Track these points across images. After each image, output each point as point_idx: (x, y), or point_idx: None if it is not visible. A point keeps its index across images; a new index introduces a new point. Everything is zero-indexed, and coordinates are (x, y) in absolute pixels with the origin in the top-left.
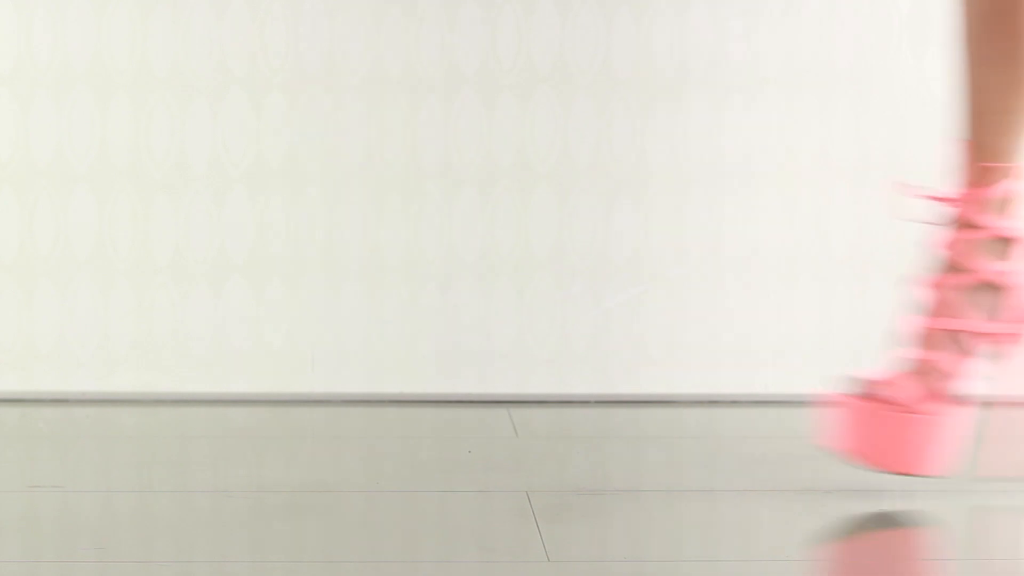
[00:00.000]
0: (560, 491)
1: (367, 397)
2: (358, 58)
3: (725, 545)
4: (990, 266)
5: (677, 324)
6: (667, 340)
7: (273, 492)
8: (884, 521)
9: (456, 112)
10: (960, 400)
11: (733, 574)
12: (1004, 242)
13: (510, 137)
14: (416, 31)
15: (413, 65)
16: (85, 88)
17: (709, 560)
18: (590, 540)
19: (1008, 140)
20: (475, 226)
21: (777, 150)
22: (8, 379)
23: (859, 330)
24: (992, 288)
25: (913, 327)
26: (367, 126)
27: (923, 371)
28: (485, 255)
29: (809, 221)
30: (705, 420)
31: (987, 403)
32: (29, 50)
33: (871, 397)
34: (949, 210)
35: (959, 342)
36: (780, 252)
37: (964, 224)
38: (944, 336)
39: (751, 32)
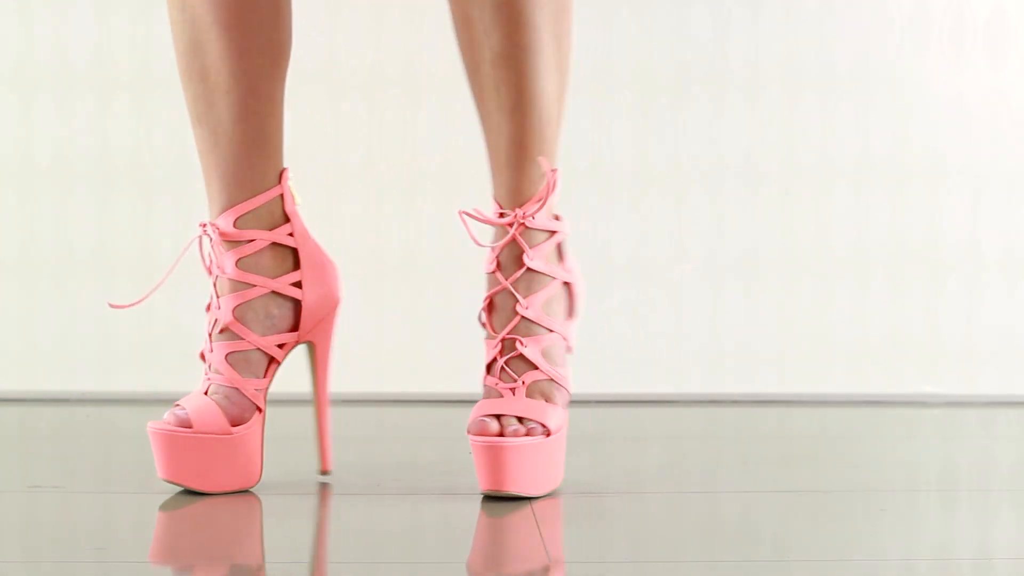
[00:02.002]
0: (561, 492)
1: (366, 397)
2: (358, 58)
3: (726, 546)
4: None
5: (677, 324)
6: (667, 340)
7: (273, 493)
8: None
9: (457, 112)
10: None
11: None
12: None
13: None
14: (416, 31)
15: (413, 65)
16: (85, 88)
17: (709, 561)
18: (590, 541)
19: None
20: (474, 225)
21: (777, 150)
22: (8, 379)
23: (859, 330)
24: None
25: None
26: (367, 126)
27: None
28: (485, 254)
29: (809, 221)
30: (706, 420)
31: None
32: (30, 50)
33: None
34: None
35: None
36: (780, 252)
37: None
38: None
39: (751, 32)
